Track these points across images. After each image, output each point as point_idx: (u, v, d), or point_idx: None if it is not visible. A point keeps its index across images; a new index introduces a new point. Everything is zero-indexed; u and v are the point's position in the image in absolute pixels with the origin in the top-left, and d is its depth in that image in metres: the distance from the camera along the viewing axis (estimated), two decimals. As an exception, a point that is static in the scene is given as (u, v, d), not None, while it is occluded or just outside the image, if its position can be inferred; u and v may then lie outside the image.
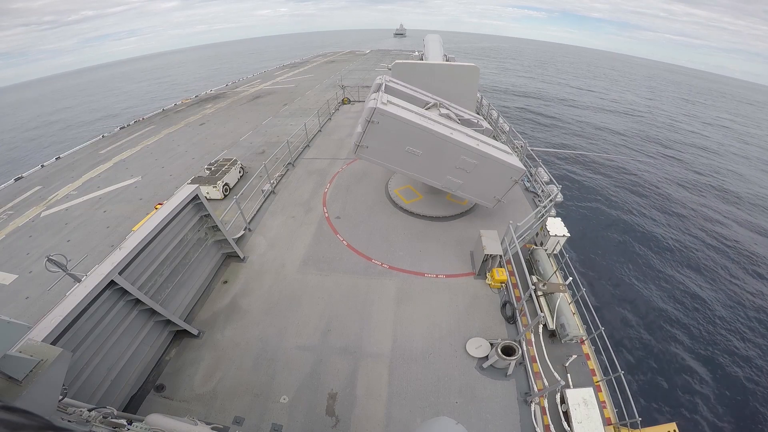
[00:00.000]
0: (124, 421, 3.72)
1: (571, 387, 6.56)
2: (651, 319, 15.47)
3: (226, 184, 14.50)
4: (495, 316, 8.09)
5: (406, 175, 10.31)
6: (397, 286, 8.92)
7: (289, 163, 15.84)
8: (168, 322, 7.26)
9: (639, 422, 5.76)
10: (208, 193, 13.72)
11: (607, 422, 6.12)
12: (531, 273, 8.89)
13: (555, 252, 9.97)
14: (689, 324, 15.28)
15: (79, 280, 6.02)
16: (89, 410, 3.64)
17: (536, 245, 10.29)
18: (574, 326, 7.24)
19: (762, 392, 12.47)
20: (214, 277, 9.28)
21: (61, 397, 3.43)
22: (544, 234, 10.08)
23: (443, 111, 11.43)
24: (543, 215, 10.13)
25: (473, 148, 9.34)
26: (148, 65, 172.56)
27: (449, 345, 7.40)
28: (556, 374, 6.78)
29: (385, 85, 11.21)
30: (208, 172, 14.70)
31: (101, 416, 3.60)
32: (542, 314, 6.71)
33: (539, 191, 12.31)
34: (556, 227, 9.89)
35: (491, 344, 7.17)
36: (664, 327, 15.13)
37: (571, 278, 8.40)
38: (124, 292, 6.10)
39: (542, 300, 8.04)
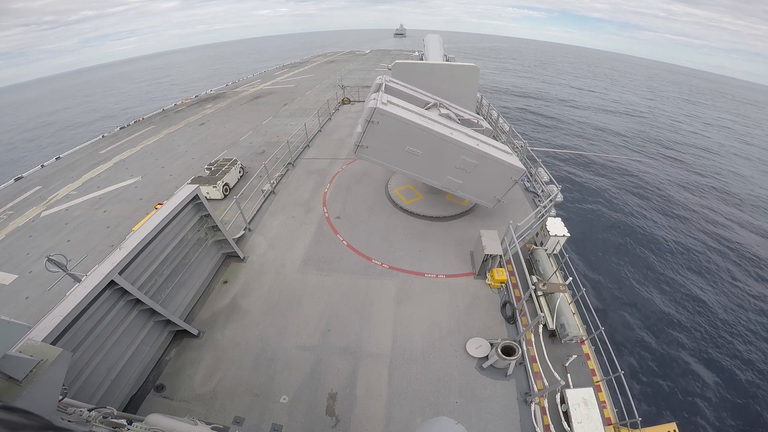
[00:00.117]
0: (124, 421, 3.72)
1: (571, 387, 6.56)
2: (652, 321, 15.46)
3: (226, 184, 14.50)
4: (495, 316, 8.09)
5: (406, 175, 10.31)
6: (397, 286, 8.92)
7: (289, 163, 15.84)
8: (168, 322, 7.26)
9: (639, 422, 5.76)
10: (208, 193, 13.73)
11: (607, 422, 6.12)
12: (531, 273, 8.89)
13: (555, 252, 9.97)
14: (690, 326, 15.25)
15: (79, 280, 6.02)
16: (89, 410, 3.64)
17: (536, 245, 10.29)
18: (574, 326, 7.24)
19: (763, 395, 12.44)
20: (214, 277, 9.28)
21: (61, 397, 3.43)
22: (544, 234, 10.08)
23: (443, 111, 11.43)
24: (543, 215, 10.13)
25: (473, 148, 9.34)
26: (147, 65, 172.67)
27: (449, 345, 7.40)
28: (556, 374, 6.78)
29: (385, 85, 11.21)
30: (208, 172, 14.70)
31: (101, 416, 3.60)
32: (542, 314, 6.71)
33: (539, 191, 12.30)
34: (556, 227, 9.89)
35: (491, 344, 7.17)
36: (665, 328, 15.11)
37: (571, 278, 8.40)
38: (124, 292, 6.09)
39: (542, 300, 8.04)
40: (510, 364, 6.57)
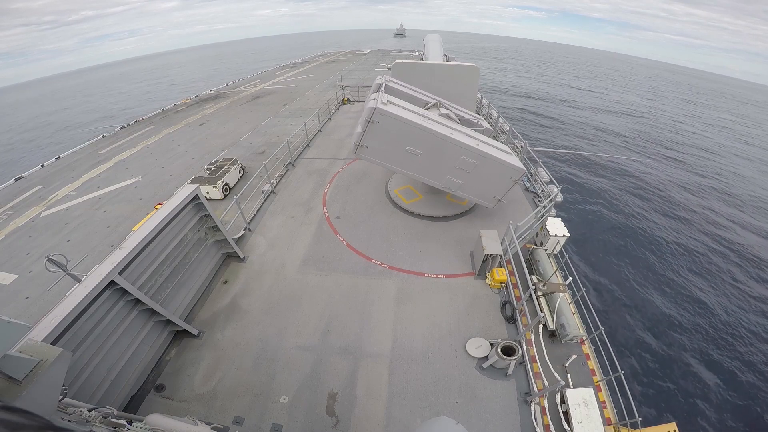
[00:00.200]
0: (124, 421, 3.72)
1: (571, 387, 6.56)
2: (653, 322, 15.43)
3: (226, 184, 14.50)
4: (495, 316, 8.09)
5: (406, 175, 10.30)
6: (397, 286, 8.92)
7: (289, 163, 15.84)
8: (168, 322, 7.26)
9: (639, 422, 5.76)
10: (208, 193, 13.73)
11: (607, 422, 6.12)
12: (531, 273, 8.89)
13: (555, 252, 9.97)
14: (691, 327, 15.22)
15: (79, 280, 6.02)
16: (89, 410, 3.64)
17: (536, 245, 10.29)
18: (574, 326, 7.24)
19: (764, 397, 12.41)
20: (214, 277, 9.28)
21: (61, 397, 3.43)
22: (544, 234, 10.08)
23: (443, 111, 11.43)
24: (543, 215, 10.13)
25: (473, 148, 9.34)
26: (147, 65, 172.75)
27: (449, 345, 7.40)
28: (556, 374, 6.78)
29: (385, 85, 11.21)
30: (208, 172, 14.70)
31: (101, 416, 3.60)
32: (542, 314, 6.70)
33: (539, 191, 12.31)
34: (556, 227, 9.89)
35: (491, 344, 7.17)
36: (666, 330, 15.09)
37: (571, 278, 8.40)
38: (124, 292, 6.09)
39: (542, 300, 8.04)
40: (510, 364, 6.57)
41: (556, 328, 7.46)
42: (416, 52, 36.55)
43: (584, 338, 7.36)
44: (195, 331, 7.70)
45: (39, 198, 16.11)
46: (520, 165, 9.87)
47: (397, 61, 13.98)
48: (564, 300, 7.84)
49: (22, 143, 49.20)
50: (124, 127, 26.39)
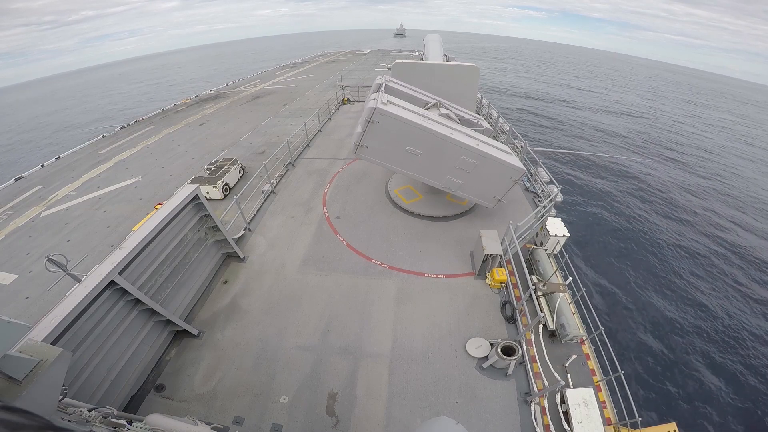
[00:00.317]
0: (124, 421, 3.72)
1: (571, 387, 6.56)
2: (653, 323, 15.39)
3: (226, 184, 14.50)
4: (495, 316, 8.09)
5: (406, 175, 10.30)
6: (397, 286, 8.92)
7: (289, 163, 15.84)
8: (168, 322, 7.26)
9: (639, 422, 5.76)
10: (208, 193, 13.73)
11: (607, 422, 6.12)
12: (531, 273, 8.89)
13: (555, 252, 9.97)
14: (692, 329, 15.16)
15: (79, 280, 6.02)
16: (89, 410, 3.64)
17: (536, 245, 10.29)
18: (574, 326, 7.24)
19: (765, 399, 12.38)
20: (214, 277, 9.28)
21: (61, 397, 3.43)
22: (544, 234, 10.08)
23: (443, 111, 11.43)
24: (543, 215, 10.13)
25: (473, 148, 9.34)
26: (147, 65, 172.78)
27: (449, 345, 7.40)
28: (556, 374, 6.78)
29: (385, 85, 11.21)
30: (208, 172, 14.70)
31: (101, 416, 3.60)
32: (542, 314, 6.70)
33: (539, 191, 12.31)
34: (556, 227, 9.89)
35: (491, 344, 7.17)
36: (667, 331, 15.06)
37: (571, 278, 8.40)
38: (124, 292, 6.09)
39: (542, 300, 8.04)
40: (510, 364, 6.57)
41: (556, 328, 7.46)
42: (416, 52, 36.55)
43: (584, 338, 7.36)
44: (195, 331, 7.70)
45: (39, 198, 16.11)
46: (520, 165, 9.87)
47: (397, 61, 13.98)
48: (564, 300, 7.84)
49: (21, 144, 49.17)
50: (124, 127, 26.40)
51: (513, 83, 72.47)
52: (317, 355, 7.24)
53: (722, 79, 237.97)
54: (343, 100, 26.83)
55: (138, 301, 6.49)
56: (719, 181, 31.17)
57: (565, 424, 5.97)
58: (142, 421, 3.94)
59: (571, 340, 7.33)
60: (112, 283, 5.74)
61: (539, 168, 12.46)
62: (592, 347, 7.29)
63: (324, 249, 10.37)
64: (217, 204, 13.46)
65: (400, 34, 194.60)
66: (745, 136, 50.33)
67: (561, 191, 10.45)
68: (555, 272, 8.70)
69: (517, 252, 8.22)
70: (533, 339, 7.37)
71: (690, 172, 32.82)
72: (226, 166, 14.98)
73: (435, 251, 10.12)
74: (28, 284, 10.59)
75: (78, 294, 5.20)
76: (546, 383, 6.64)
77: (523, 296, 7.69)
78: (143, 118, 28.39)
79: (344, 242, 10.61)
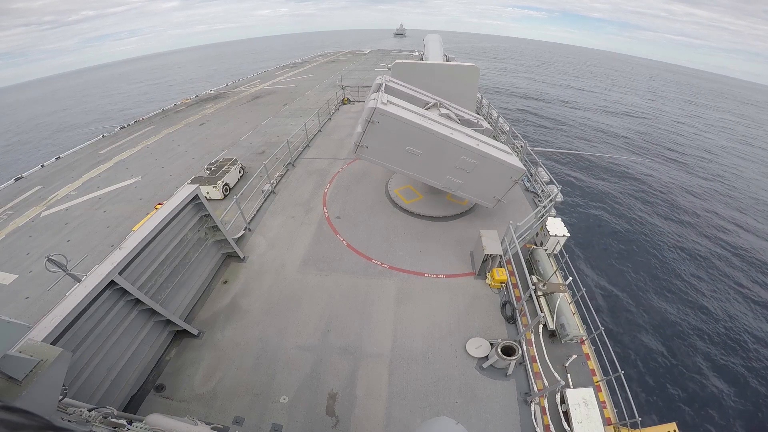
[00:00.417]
0: (124, 421, 3.72)
1: (571, 387, 6.56)
2: (654, 325, 15.35)
3: (226, 184, 14.50)
4: (495, 316, 8.09)
5: (406, 175, 10.30)
6: (397, 286, 8.92)
7: (289, 163, 15.84)
8: (168, 322, 7.26)
9: (639, 422, 5.76)
10: (208, 193, 13.73)
11: (607, 422, 6.12)
12: (531, 273, 8.89)
13: (555, 252, 9.97)
14: (693, 331, 15.09)
15: (79, 280, 6.02)
16: (89, 410, 3.64)
17: (536, 245, 10.29)
18: (574, 326, 7.24)
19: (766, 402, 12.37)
20: (214, 277, 9.28)
21: (61, 397, 3.43)
22: (544, 234, 10.08)
23: (443, 111, 11.43)
24: (543, 215, 10.13)
25: (473, 148, 9.34)
26: (147, 65, 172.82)
27: (449, 345, 7.40)
28: (556, 374, 6.78)
29: (385, 85, 11.21)
30: (208, 172, 14.70)
31: (101, 416, 3.60)
32: (542, 314, 6.70)
33: (539, 191, 12.31)
34: (556, 227, 9.89)
35: (491, 344, 7.17)
36: (668, 333, 15.02)
37: (571, 278, 8.40)
38: (124, 292, 6.09)
39: (542, 300, 8.04)
40: (510, 364, 6.57)
41: (556, 328, 7.45)
42: (416, 52, 36.55)
43: (584, 338, 7.36)
44: (195, 331, 7.70)
45: (39, 198, 16.11)
46: (520, 165, 9.87)
47: (397, 61, 13.98)
48: (564, 300, 7.84)
49: (19, 145, 49.09)
50: (124, 127, 26.40)
51: (513, 83, 72.45)
52: (317, 355, 7.24)
53: (722, 79, 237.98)
54: (343, 100, 26.83)
55: (138, 301, 6.48)
56: (720, 182, 31.09)
57: (565, 424, 5.97)
58: (142, 421, 3.94)
59: (571, 340, 7.33)
60: (112, 283, 5.74)
61: (539, 168, 12.46)
62: (592, 347, 7.29)
63: (324, 249, 10.37)
64: (217, 204, 13.46)
65: (400, 34, 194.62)
66: (746, 136, 50.27)
67: (561, 191, 10.45)
68: (555, 272, 8.70)
69: (517, 252, 8.22)
70: (533, 339, 7.37)
71: (691, 173, 32.74)
72: (226, 166, 14.98)
73: (435, 251, 10.12)
74: (28, 284, 10.59)
75: (78, 294, 5.20)
76: (546, 383, 6.64)
77: (523, 296, 7.69)
78: (143, 118, 28.39)
79: (344, 242, 10.61)
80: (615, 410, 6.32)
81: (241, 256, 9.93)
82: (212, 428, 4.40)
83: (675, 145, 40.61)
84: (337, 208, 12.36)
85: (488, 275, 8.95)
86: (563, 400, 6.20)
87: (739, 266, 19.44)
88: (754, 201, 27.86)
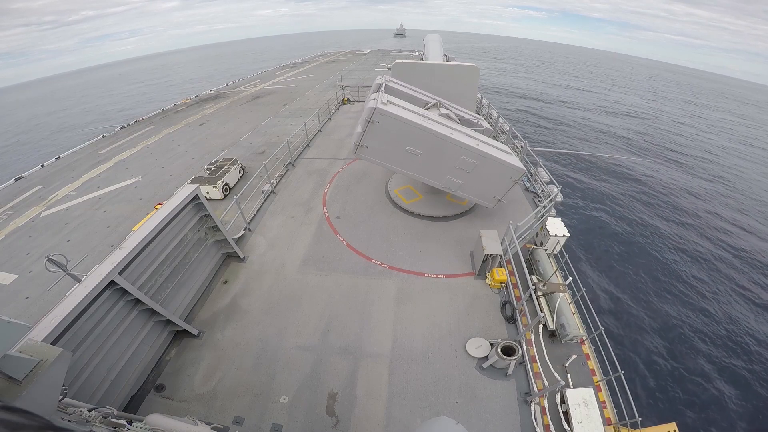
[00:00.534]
0: (124, 421, 3.72)
1: (571, 387, 6.56)
2: (654, 324, 15.34)
3: (226, 184, 14.50)
4: (495, 316, 8.09)
5: (406, 175, 10.30)
6: (397, 286, 8.92)
7: (289, 163, 15.84)
8: (168, 322, 7.26)
9: (639, 422, 5.76)
10: (208, 193, 13.73)
11: (607, 422, 6.12)
12: (531, 273, 8.89)
13: (555, 252, 9.97)
14: (694, 333, 15.05)
15: (79, 280, 6.02)
16: (89, 410, 3.64)
17: (536, 245, 10.29)
18: (574, 326, 7.24)
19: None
20: (214, 277, 9.28)
21: (61, 397, 3.43)
22: (544, 234, 10.08)
23: (443, 111, 11.43)
24: (543, 215, 10.13)
25: (473, 148, 9.34)
26: (147, 65, 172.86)
27: (449, 345, 7.40)
28: (556, 374, 6.78)
29: (385, 85, 11.21)
30: (208, 172, 14.70)
31: (101, 416, 3.60)
32: (542, 314, 6.70)
33: (539, 191, 12.30)
34: (556, 227, 9.89)
35: (491, 344, 7.17)
36: (667, 332, 15.01)
37: (571, 278, 8.40)
38: (124, 292, 6.09)
39: (542, 300, 8.04)
40: (510, 364, 6.57)
41: (556, 328, 7.45)
42: (416, 52, 36.53)
43: (584, 338, 7.36)
44: (195, 331, 7.70)
45: (39, 198, 16.11)
46: (520, 165, 9.87)
47: (397, 61, 13.98)
48: (564, 300, 7.84)
49: (18, 145, 49.01)
50: (124, 127, 26.41)
51: (513, 83, 72.41)
52: (317, 355, 7.24)
53: (722, 79, 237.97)
54: (343, 100, 26.83)
55: (138, 301, 6.49)
56: (721, 183, 31.01)
57: (565, 424, 5.97)
58: (142, 421, 3.94)
59: (571, 340, 7.33)
60: (112, 283, 5.74)
61: (539, 168, 12.46)
62: (592, 347, 7.29)
63: (324, 249, 10.37)
64: (217, 204, 13.46)
65: (400, 34, 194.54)
66: (747, 137, 50.23)
67: (561, 192, 10.45)
68: (555, 272, 8.70)
69: (517, 252, 8.22)
70: (533, 339, 7.37)
71: (692, 173, 32.65)
72: (226, 166, 14.99)
73: (435, 251, 10.12)
74: (28, 284, 10.59)
75: (78, 294, 5.20)
76: (546, 383, 6.64)
77: (523, 296, 7.69)
78: (143, 118, 28.40)
79: (344, 242, 10.61)
80: (615, 410, 6.32)
81: (241, 256, 9.93)
82: (212, 428, 4.40)
83: (676, 146, 40.53)
84: (337, 208, 12.36)
85: (488, 275, 8.94)
86: (563, 400, 6.20)
87: (741, 268, 19.37)
88: (755, 202, 27.77)
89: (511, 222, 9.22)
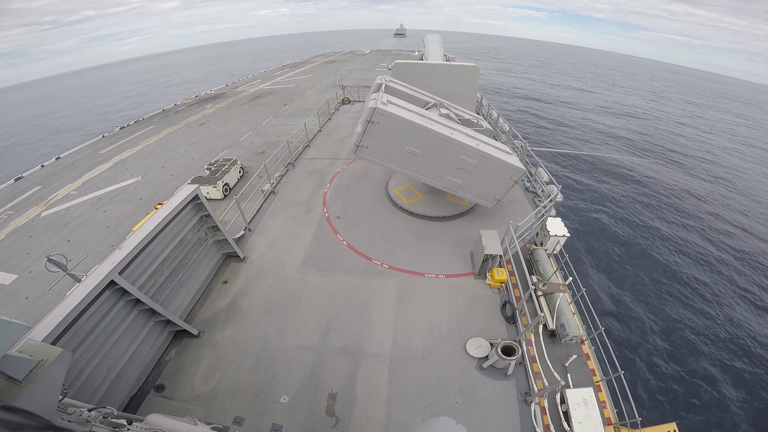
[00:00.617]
0: (124, 421, 3.72)
1: (571, 387, 6.56)
2: (654, 325, 15.33)
3: (226, 184, 14.51)
4: (495, 316, 8.09)
5: (406, 175, 10.31)
6: (397, 286, 8.92)
7: (289, 163, 15.84)
8: (168, 322, 7.27)
9: (639, 422, 5.76)
10: (208, 193, 13.73)
11: (607, 422, 6.12)
12: (531, 273, 8.89)
13: (555, 252, 9.97)
14: (694, 333, 15.02)
15: (79, 280, 6.02)
16: (89, 410, 3.65)
17: (536, 245, 10.29)
18: (574, 326, 7.24)
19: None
20: (214, 277, 9.28)
21: (61, 397, 3.43)
22: (544, 234, 10.08)
23: (443, 111, 11.43)
24: (543, 215, 10.13)
25: (473, 148, 9.34)
26: (147, 65, 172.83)
27: (449, 345, 7.40)
28: (556, 374, 6.78)
29: (385, 85, 11.21)
30: (208, 172, 14.70)
31: (101, 416, 3.60)
32: (542, 314, 6.71)
33: (539, 191, 12.31)
34: (556, 227, 9.89)
35: (491, 344, 7.17)
36: (667, 332, 15.00)
37: (571, 278, 8.40)
38: (124, 292, 6.10)
39: (542, 300, 8.04)
40: (510, 364, 6.57)
41: (556, 328, 7.45)
42: (416, 52, 36.52)
43: (584, 338, 7.36)
44: (195, 331, 7.70)
45: (39, 198, 16.12)
46: (520, 165, 9.87)
47: (397, 61, 13.98)
48: (564, 300, 7.84)
49: (18, 145, 48.93)
50: (124, 127, 26.41)
51: (513, 83, 72.37)
52: (317, 355, 7.24)
53: (723, 79, 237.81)
54: (343, 100, 26.84)
55: (138, 301, 6.49)
56: (722, 184, 30.94)
57: (565, 424, 5.97)
58: (142, 421, 3.94)
59: (571, 340, 7.33)
60: (112, 283, 5.74)
61: (539, 168, 12.46)
62: (592, 347, 7.29)
63: (324, 249, 10.37)
64: (217, 204, 13.46)
65: (400, 34, 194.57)
66: (747, 137, 50.17)
67: (561, 192, 10.46)
68: (555, 272, 8.70)
69: (517, 252, 8.22)
70: (533, 339, 7.37)
71: (693, 174, 32.55)
72: (226, 166, 14.99)
73: (435, 251, 10.12)
74: (28, 284, 10.59)
75: (78, 294, 5.20)
76: (546, 383, 6.64)
77: (523, 296, 7.69)
78: (143, 118, 28.40)
79: (344, 242, 10.62)
80: (615, 410, 6.32)
81: (241, 256, 9.93)
82: (212, 428, 4.40)
83: (676, 146, 40.45)
84: (337, 208, 12.36)
85: (488, 275, 8.95)
86: (563, 400, 6.20)
87: (742, 270, 19.32)
88: (756, 203, 27.69)
89: (511, 222, 9.22)
